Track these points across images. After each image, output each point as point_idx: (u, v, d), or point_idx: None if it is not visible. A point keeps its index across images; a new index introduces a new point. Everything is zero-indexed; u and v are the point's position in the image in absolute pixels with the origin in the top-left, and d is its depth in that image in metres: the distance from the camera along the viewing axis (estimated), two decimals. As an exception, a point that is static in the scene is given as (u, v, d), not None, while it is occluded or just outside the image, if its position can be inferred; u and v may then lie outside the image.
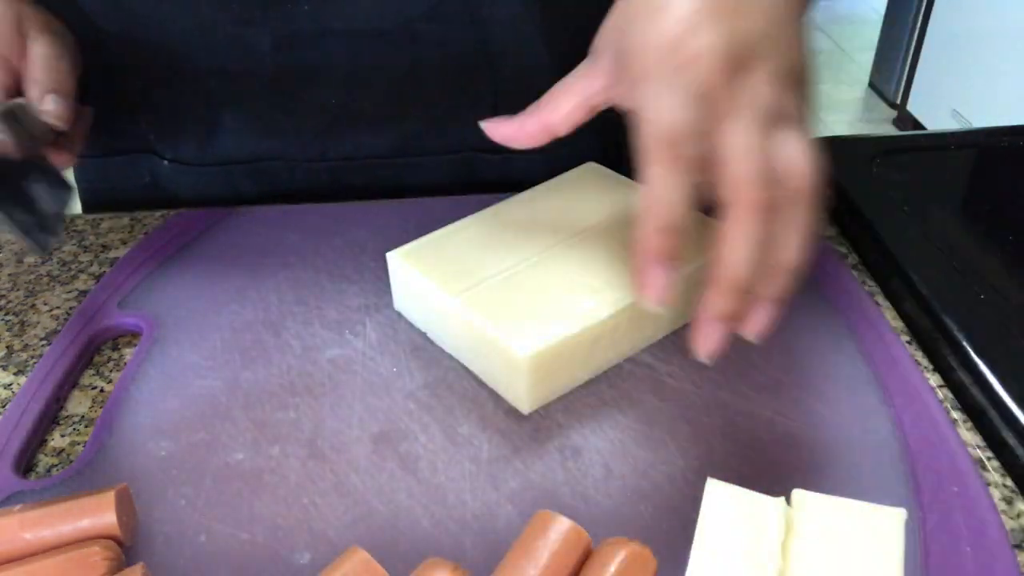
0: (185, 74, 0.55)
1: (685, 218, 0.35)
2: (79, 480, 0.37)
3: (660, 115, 0.36)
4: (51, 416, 0.41)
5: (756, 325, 0.36)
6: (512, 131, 0.43)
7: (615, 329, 0.41)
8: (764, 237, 0.34)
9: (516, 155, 0.43)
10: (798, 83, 0.37)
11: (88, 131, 0.51)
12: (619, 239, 0.44)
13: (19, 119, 0.44)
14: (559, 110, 0.42)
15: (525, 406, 0.40)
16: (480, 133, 0.43)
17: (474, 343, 0.41)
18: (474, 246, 0.45)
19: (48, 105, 0.45)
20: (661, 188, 0.35)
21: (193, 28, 0.53)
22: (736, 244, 0.34)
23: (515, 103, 0.42)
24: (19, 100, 0.45)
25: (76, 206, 0.63)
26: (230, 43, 0.53)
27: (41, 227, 0.44)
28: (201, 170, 0.60)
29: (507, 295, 0.41)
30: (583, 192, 0.49)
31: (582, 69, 0.42)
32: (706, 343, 0.36)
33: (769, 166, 0.34)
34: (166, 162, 0.60)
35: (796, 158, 0.35)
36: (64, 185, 0.47)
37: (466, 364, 0.43)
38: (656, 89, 0.36)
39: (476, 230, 0.46)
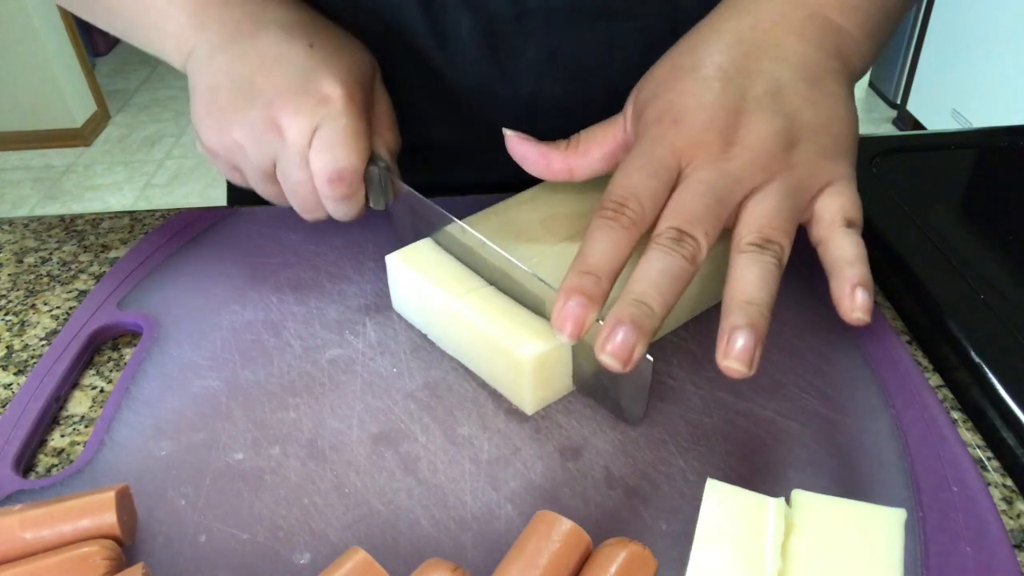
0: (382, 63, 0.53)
1: (614, 268, 0.35)
2: (79, 480, 0.37)
3: (620, 177, 0.37)
4: (51, 416, 0.41)
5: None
6: (534, 157, 0.44)
7: None
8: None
9: None
10: (810, 138, 0.38)
11: None
12: None
13: (383, 180, 0.45)
14: (588, 155, 0.43)
15: (529, 407, 0.40)
16: None
17: (477, 345, 0.41)
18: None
19: (394, 170, 0.46)
20: (598, 240, 0.36)
21: (390, 16, 0.51)
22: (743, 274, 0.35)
23: None
24: (383, 163, 0.45)
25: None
26: (428, 28, 0.51)
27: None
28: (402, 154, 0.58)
29: (503, 299, 0.41)
30: (583, 193, 0.49)
31: (612, 120, 0.44)
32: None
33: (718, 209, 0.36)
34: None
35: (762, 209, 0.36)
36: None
37: (468, 365, 0.43)
38: (632, 155, 0.38)
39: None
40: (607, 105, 0.45)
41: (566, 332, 0.34)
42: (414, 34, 0.52)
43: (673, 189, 0.37)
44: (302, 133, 0.42)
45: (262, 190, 0.46)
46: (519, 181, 0.47)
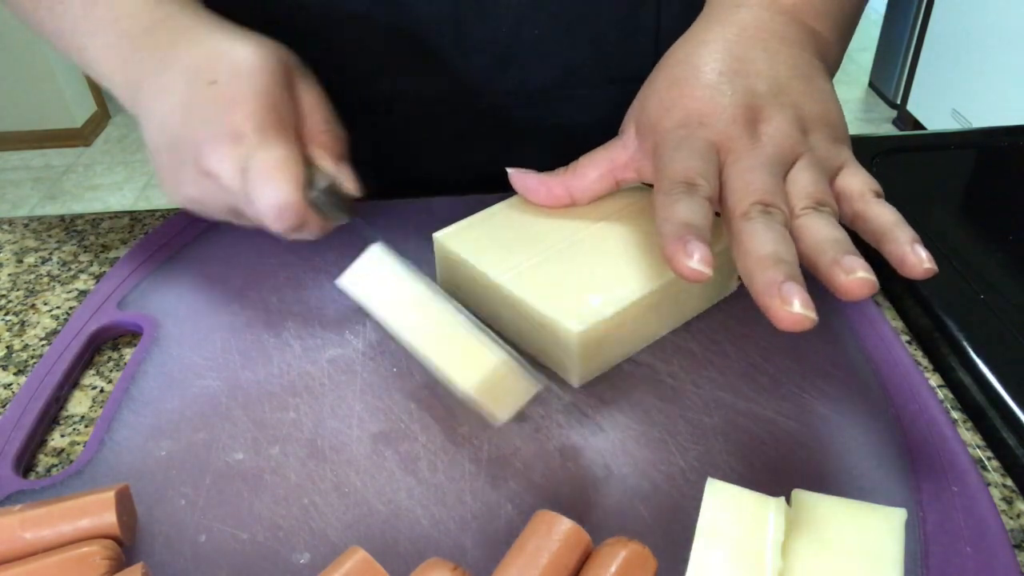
0: (354, 11, 0.53)
1: (707, 218, 0.36)
2: (79, 480, 0.37)
3: (674, 165, 0.39)
4: (51, 416, 0.41)
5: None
6: (535, 186, 0.46)
7: (657, 304, 0.42)
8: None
9: None
10: (818, 126, 0.41)
11: None
12: (640, 228, 0.45)
13: (331, 194, 0.43)
14: (585, 177, 0.45)
15: (576, 380, 0.41)
16: (638, 63, 0.45)
17: (522, 322, 0.42)
18: (506, 232, 0.45)
19: (342, 174, 0.44)
20: (683, 206, 0.36)
21: None
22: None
23: (677, 34, 0.45)
24: (327, 179, 0.43)
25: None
26: None
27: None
28: (368, 112, 0.57)
29: (547, 277, 0.42)
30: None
31: (610, 143, 0.46)
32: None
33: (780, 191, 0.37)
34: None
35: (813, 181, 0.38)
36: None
37: (515, 341, 0.44)
38: (672, 150, 0.40)
39: (501, 218, 0.47)
40: (592, 57, 0.45)
41: (693, 261, 0.34)
42: None
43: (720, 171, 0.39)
44: (233, 177, 0.41)
45: (240, 224, 0.46)
46: (497, 171, 0.47)
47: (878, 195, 0.39)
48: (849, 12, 0.47)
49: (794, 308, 0.32)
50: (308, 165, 0.43)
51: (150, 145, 0.44)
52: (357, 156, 0.47)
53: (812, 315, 0.31)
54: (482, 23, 0.54)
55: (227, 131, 0.41)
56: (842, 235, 0.35)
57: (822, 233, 0.35)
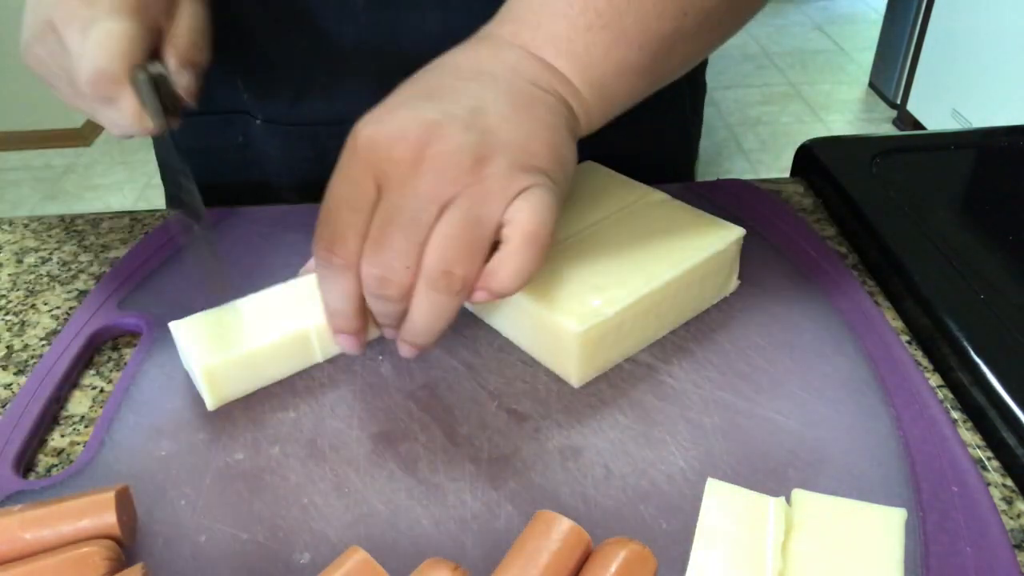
0: (277, 30, 0.54)
1: (353, 304, 0.39)
2: (79, 480, 0.37)
3: (327, 212, 0.38)
4: (51, 416, 0.41)
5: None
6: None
7: (657, 304, 0.42)
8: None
9: None
10: (502, 152, 0.37)
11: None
12: (640, 228, 0.45)
13: (159, 88, 0.43)
14: None
15: (575, 380, 0.41)
16: None
17: (524, 321, 0.42)
18: None
19: (184, 79, 0.44)
20: (327, 289, 0.39)
21: None
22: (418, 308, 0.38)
23: None
24: (160, 69, 0.43)
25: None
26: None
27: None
28: (290, 130, 0.60)
29: (547, 276, 0.42)
30: (583, 189, 0.49)
31: None
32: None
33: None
34: (258, 121, 0.60)
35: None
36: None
37: (514, 340, 0.44)
38: (336, 169, 0.39)
39: None
40: None
41: (352, 352, 0.42)
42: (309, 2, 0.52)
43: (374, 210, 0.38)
44: (73, 38, 0.41)
45: (77, 105, 0.46)
46: None
47: (528, 236, 0.37)
48: (621, 65, 0.41)
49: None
50: (153, 57, 0.43)
51: (27, 5, 0.45)
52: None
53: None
54: (401, 48, 0.54)
55: None
56: (435, 332, 0.38)
57: (422, 320, 0.38)
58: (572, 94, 0.41)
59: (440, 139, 0.36)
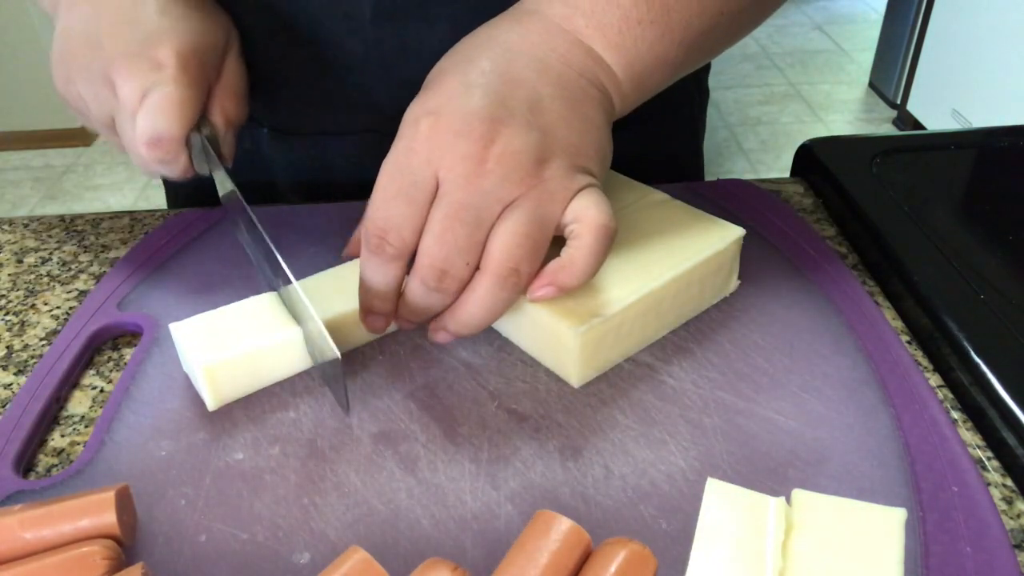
0: (284, 42, 0.55)
1: (391, 293, 0.40)
2: (79, 480, 0.37)
3: (375, 209, 0.39)
4: (51, 416, 0.41)
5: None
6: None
7: (657, 304, 0.42)
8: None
9: None
10: (560, 153, 0.38)
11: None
12: (640, 228, 0.45)
13: (208, 148, 0.46)
14: None
15: (575, 381, 0.41)
16: None
17: (524, 321, 0.42)
18: None
19: (228, 140, 0.47)
20: (371, 273, 0.40)
21: None
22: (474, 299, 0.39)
23: None
24: (209, 131, 0.46)
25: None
26: (331, 10, 0.52)
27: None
28: (295, 139, 0.60)
29: None
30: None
31: None
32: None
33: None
34: (265, 130, 0.60)
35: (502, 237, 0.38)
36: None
37: (514, 340, 0.44)
38: (384, 177, 0.39)
39: None
40: None
41: (374, 332, 0.42)
42: (316, 13, 0.53)
43: (432, 202, 0.38)
44: (132, 96, 0.43)
45: (105, 137, 0.48)
46: None
47: (600, 230, 0.38)
48: (657, 56, 0.42)
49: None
50: (203, 116, 0.47)
51: (62, 26, 0.46)
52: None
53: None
54: (409, 61, 0.53)
55: (150, 55, 0.44)
56: (499, 313, 0.39)
57: (480, 313, 0.38)
58: (615, 87, 0.42)
59: (504, 138, 0.37)
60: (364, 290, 0.40)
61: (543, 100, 0.39)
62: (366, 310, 0.41)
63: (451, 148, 0.37)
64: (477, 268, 0.38)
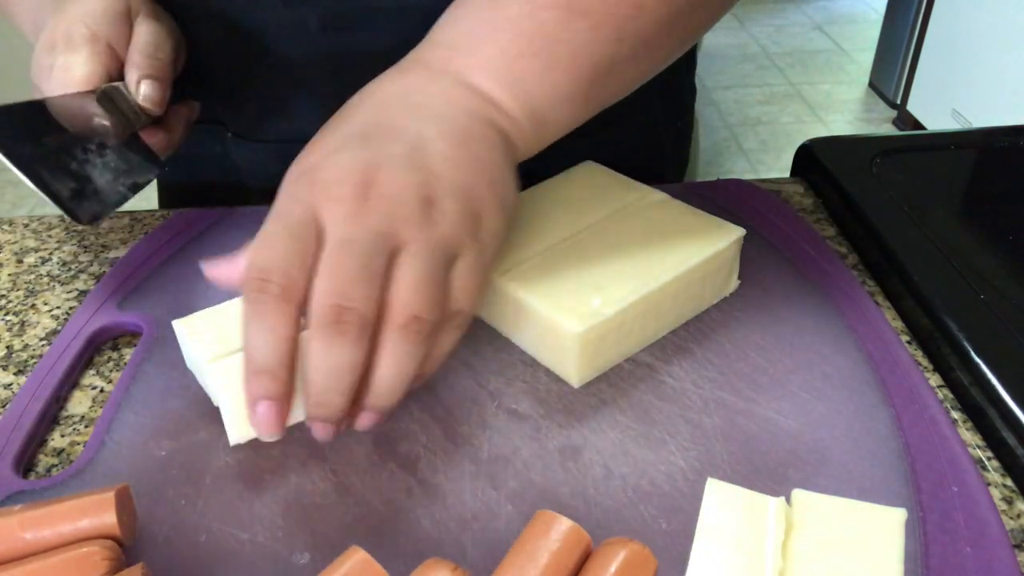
0: (236, 51, 0.56)
1: (284, 357, 0.34)
2: (79, 480, 0.37)
3: (262, 243, 0.35)
4: (51, 416, 0.41)
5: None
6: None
7: (657, 304, 0.42)
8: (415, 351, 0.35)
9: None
10: (451, 196, 0.36)
11: (192, 121, 0.54)
12: (640, 228, 0.46)
13: (115, 101, 0.47)
14: None
15: (575, 380, 0.41)
16: None
17: (524, 321, 0.42)
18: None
19: (142, 89, 0.48)
20: (255, 332, 0.34)
21: (248, 4, 0.53)
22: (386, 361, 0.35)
23: None
24: (116, 84, 0.48)
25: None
26: (280, 21, 0.53)
27: (88, 197, 0.46)
28: (257, 145, 0.61)
29: (546, 276, 0.42)
30: (583, 189, 0.49)
31: None
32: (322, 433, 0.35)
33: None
34: (230, 135, 0.61)
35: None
36: (148, 161, 0.50)
37: (514, 340, 0.44)
38: (271, 213, 0.37)
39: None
40: None
41: (269, 434, 0.35)
42: (268, 24, 0.54)
43: (316, 248, 0.35)
44: (43, 81, 0.48)
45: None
46: None
47: (454, 314, 0.36)
48: (558, 91, 0.41)
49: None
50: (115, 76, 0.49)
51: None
52: None
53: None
54: (360, 70, 0.50)
55: (45, 42, 0.48)
56: (398, 388, 0.35)
57: (391, 372, 0.34)
58: (509, 122, 0.40)
59: (384, 178, 0.35)
60: (247, 368, 0.34)
61: (425, 142, 0.37)
62: (253, 397, 0.34)
63: (331, 194, 0.35)
64: (379, 318, 0.34)
